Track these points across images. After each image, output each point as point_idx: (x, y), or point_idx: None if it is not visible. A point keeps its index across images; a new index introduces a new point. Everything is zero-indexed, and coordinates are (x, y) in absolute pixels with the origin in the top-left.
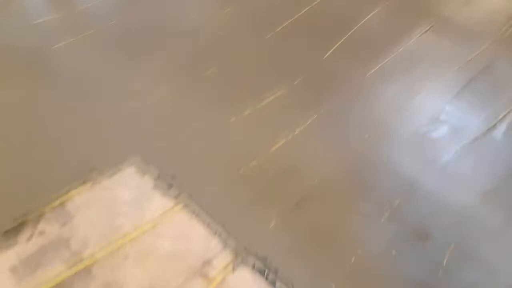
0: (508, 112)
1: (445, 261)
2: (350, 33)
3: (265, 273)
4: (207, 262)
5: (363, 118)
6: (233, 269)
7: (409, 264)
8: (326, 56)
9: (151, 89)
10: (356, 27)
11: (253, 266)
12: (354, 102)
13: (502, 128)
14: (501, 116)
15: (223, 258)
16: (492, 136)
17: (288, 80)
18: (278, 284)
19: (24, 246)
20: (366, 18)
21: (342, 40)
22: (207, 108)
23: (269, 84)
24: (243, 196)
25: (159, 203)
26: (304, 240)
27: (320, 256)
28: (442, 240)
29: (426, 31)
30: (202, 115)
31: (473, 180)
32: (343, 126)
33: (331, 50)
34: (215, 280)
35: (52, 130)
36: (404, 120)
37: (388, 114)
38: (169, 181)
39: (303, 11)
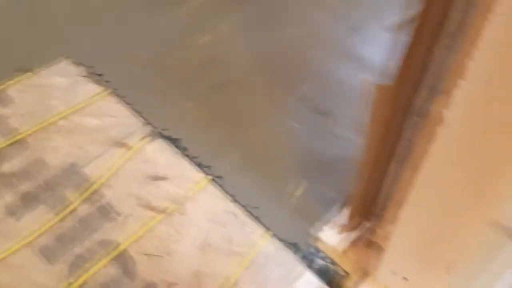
0: None
1: (341, 132)
2: None
3: (179, 145)
4: (127, 135)
5: (289, 15)
6: (150, 140)
7: (308, 135)
8: None
9: None
10: None
11: (169, 140)
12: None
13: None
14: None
15: (142, 132)
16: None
17: None
18: (187, 152)
19: None
20: None
21: None
22: (139, 9)
23: None
24: (165, 83)
25: (89, 89)
26: (215, 120)
27: (226, 133)
28: (341, 116)
29: None
30: (133, 16)
31: (376, 66)
32: (268, 23)
33: None
34: (133, 148)
35: None
36: (325, 17)
37: (313, 12)
38: (100, 71)
39: None
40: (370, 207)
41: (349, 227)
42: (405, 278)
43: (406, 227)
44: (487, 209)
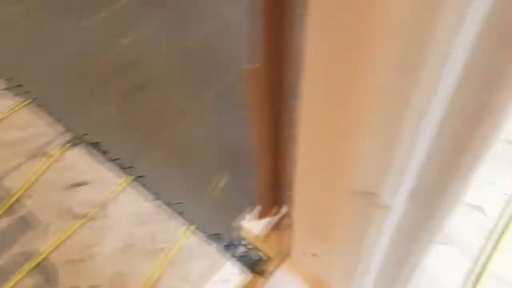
0: None
1: None
2: None
3: (100, 149)
4: (47, 144)
5: (207, 10)
6: (71, 147)
7: (230, 127)
8: None
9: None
10: None
11: (89, 145)
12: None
13: None
14: None
15: (63, 139)
16: None
17: None
18: (108, 155)
19: None
20: None
21: None
22: (56, 16)
23: None
24: (85, 88)
25: (8, 101)
26: (136, 121)
27: (148, 132)
28: None
29: None
30: (50, 23)
31: None
32: (188, 21)
33: None
34: (53, 157)
35: None
36: (242, 10)
37: (230, 5)
38: (19, 82)
39: None
40: (283, 191)
41: (265, 214)
42: (314, 255)
43: (299, 205)
44: (347, 180)
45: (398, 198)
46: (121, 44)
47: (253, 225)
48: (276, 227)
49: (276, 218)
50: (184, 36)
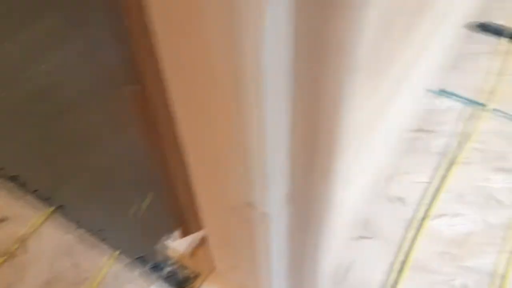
0: None
1: None
2: None
3: (18, 182)
4: None
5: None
6: None
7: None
8: None
9: None
10: None
11: (7, 179)
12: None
13: None
14: None
15: None
16: None
17: (50, 8)
18: (27, 188)
19: None
20: None
21: None
22: None
23: (29, 15)
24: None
25: None
26: (55, 150)
27: (67, 160)
28: None
29: None
30: None
31: None
32: (111, 41)
33: None
34: None
35: None
36: None
37: None
38: None
39: None
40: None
41: (187, 231)
42: (233, 267)
43: (205, 222)
44: (228, 193)
45: (274, 204)
46: (37, 71)
47: (178, 244)
48: (202, 242)
49: (201, 234)
50: (107, 55)
